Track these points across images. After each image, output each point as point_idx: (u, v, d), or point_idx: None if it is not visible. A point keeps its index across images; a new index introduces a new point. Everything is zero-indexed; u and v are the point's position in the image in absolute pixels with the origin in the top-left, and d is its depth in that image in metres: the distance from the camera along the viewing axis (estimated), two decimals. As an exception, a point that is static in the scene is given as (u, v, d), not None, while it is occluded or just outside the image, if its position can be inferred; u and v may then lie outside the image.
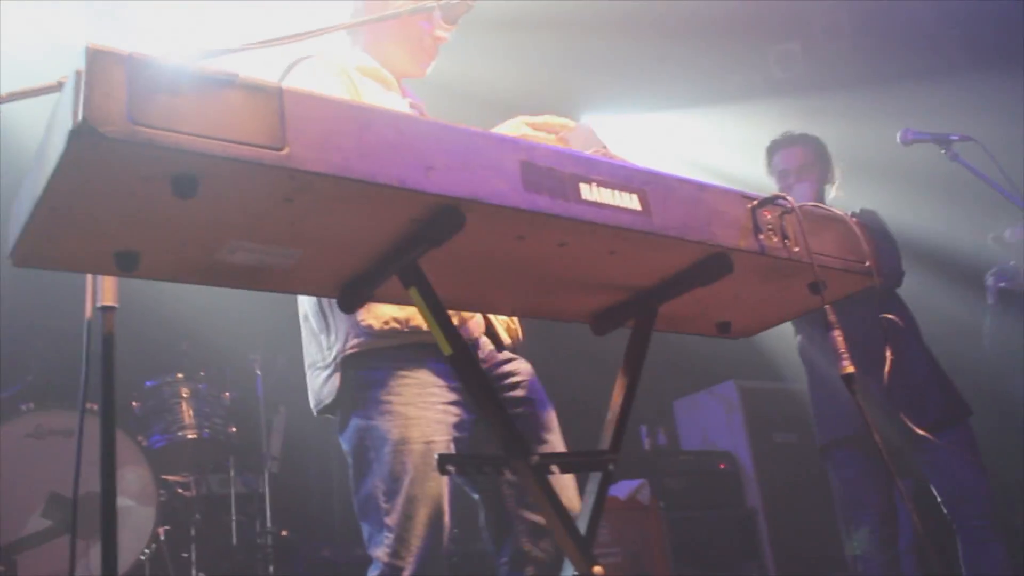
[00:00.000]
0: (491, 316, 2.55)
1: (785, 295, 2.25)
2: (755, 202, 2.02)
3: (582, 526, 1.95)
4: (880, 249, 4.03)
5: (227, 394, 5.67)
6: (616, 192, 1.78)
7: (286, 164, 1.42)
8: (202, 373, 5.58)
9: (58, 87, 1.83)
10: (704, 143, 7.33)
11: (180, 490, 5.41)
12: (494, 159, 1.64)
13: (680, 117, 7.37)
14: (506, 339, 2.58)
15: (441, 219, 1.59)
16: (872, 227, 4.19)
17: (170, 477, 5.38)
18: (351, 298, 1.88)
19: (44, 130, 1.45)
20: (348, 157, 1.47)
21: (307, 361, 2.52)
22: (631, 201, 1.80)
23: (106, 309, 1.92)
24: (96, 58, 1.32)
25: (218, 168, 1.39)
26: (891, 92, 6.09)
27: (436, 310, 1.76)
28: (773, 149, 4.46)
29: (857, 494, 4.01)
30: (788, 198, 2.05)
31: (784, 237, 2.05)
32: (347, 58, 2.62)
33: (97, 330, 1.90)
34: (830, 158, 4.41)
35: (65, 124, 1.31)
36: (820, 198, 4.28)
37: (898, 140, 3.78)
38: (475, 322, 2.49)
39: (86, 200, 1.45)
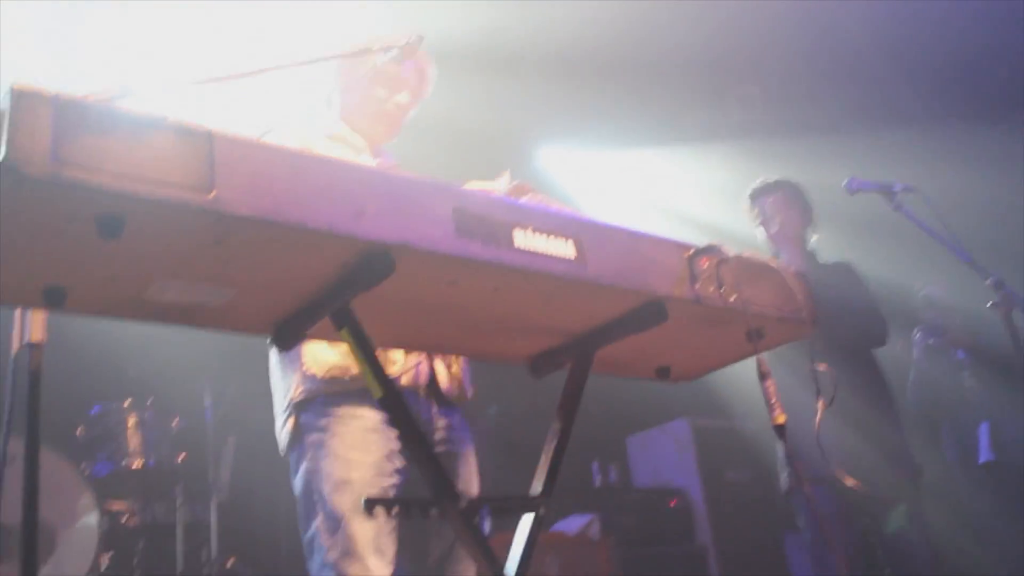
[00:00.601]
0: (436, 363, 2.58)
1: (723, 341, 2.27)
2: (691, 251, 2.04)
3: (512, 569, 1.94)
4: (852, 306, 4.13)
5: (175, 422, 5.60)
6: (550, 238, 1.79)
7: (213, 207, 1.42)
8: (150, 401, 5.51)
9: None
10: (662, 182, 7.39)
11: (124, 519, 5.33)
12: (426, 205, 1.65)
13: (639, 155, 7.42)
14: (445, 384, 2.60)
15: (372, 264, 1.60)
16: (843, 283, 4.28)
17: (114, 505, 5.30)
18: (285, 337, 1.88)
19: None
20: (278, 201, 1.48)
21: (274, 408, 2.60)
22: (566, 248, 1.81)
23: (33, 346, 1.89)
24: (21, 98, 1.32)
25: (144, 209, 1.39)
26: (843, 138, 6.18)
27: (367, 352, 1.76)
28: (754, 195, 4.51)
29: (831, 531, 4.01)
30: (723, 248, 2.07)
31: (720, 286, 2.07)
32: (317, 127, 2.73)
33: (23, 366, 1.88)
34: (809, 204, 4.48)
35: (-11, 161, 1.30)
36: (801, 244, 4.37)
37: (844, 188, 3.83)
38: (417, 371, 2.53)
39: (10, 237, 1.43)
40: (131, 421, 5.35)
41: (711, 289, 2.05)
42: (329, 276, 1.66)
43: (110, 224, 1.40)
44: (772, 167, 5.73)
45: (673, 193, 7.26)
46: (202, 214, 1.42)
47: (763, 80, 6.98)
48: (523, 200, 2.28)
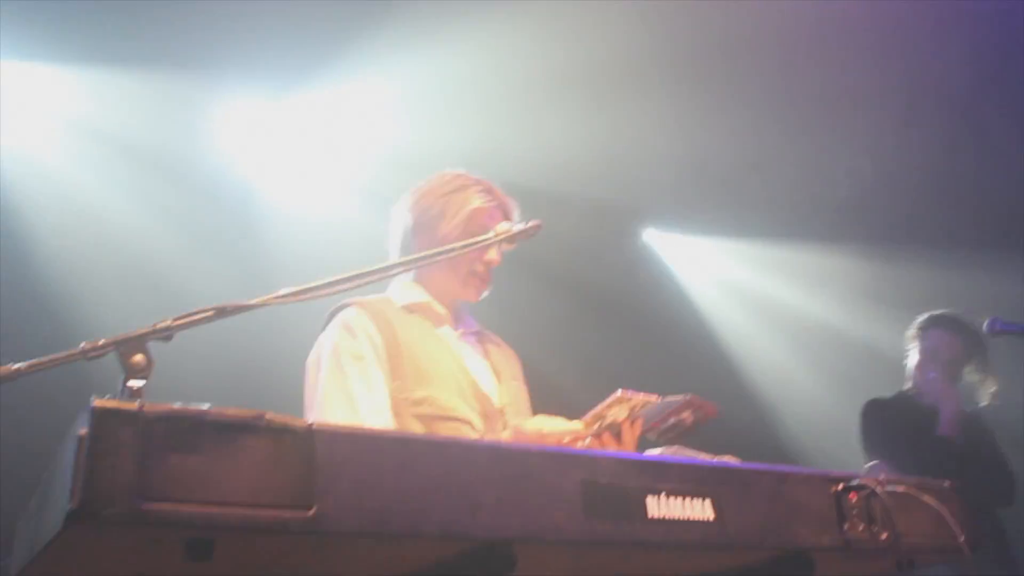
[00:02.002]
0: None
1: (866, 566, 2.05)
2: (839, 487, 1.82)
3: None
4: (982, 462, 3.86)
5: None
6: (686, 501, 1.59)
7: (313, 527, 1.25)
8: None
9: (80, 354, 1.67)
10: (766, 273, 7.12)
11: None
12: (552, 483, 1.46)
13: (742, 246, 7.16)
14: None
15: (490, 561, 1.41)
16: (975, 436, 4.00)
17: None
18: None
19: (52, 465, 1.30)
20: (385, 509, 1.30)
21: None
22: (703, 510, 1.61)
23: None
24: (102, 420, 1.17)
25: (237, 533, 1.23)
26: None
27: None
28: (930, 324, 4.23)
29: None
30: (871, 483, 1.85)
31: (871, 522, 1.84)
32: (391, 299, 2.52)
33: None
34: (985, 351, 4.15)
35: (63, 501, 1.15)
36: (958, 393, 4.08)
37: (984, 329, 3.56)
38: None
39: (91, 560, 1.29)
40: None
41: (860, 528, 1.83)
42: (444, 563, 1.48)
43: (200, 549, 1.24)
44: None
45: (781, 288, 6.98)
46: (302, 533, 1.25)
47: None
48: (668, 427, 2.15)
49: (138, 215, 5.34)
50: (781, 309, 6.95)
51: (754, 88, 5.72)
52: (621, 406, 2.26)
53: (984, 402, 4.16)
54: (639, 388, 2.32)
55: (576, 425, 2.31)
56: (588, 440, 2.34)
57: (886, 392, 4.29)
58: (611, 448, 2.30)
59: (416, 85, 5.28)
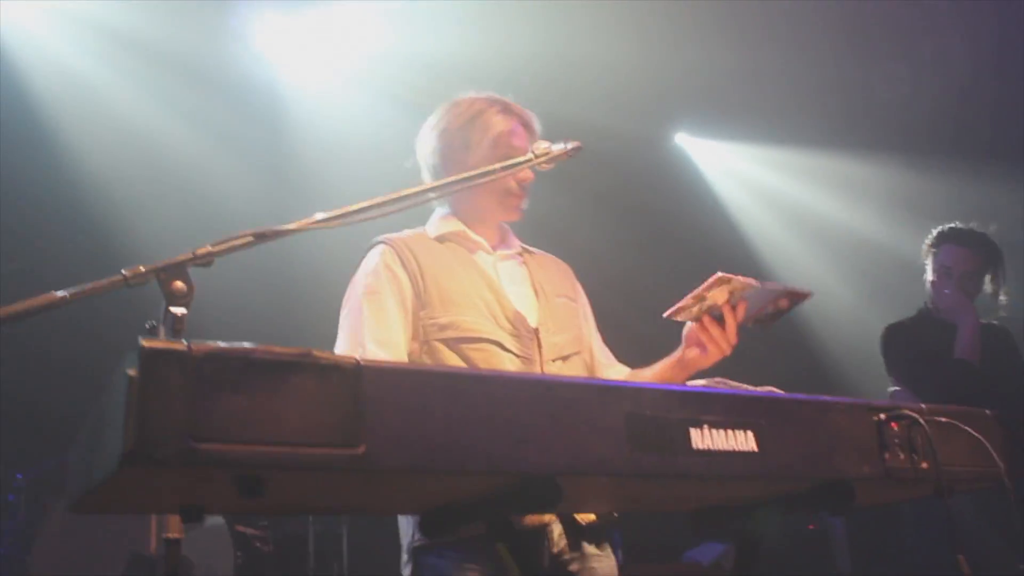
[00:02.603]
0: None
1: (905, 492, 2.06)
2: (882, 416, 1.82)
3: None
4: (1006, 380, 3.79)
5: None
6: (729, 433, 1.59)
7: (362, 465, 1.26)
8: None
9: (122, 282, 1.68)
10: (798, 181, 7.03)
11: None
12: (597, 417, 1.46)
13: (777, 152, 7.05)
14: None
15: (538, 493, 1.42)
16: (999, 352, 3.94)
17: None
18: (431, 527, 1.72)
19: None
20: (432, 445, 1.31)
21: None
22: (745, 441, 1.61)
23: (170, 542, 1.79)
24: (152, 360, 1.17)
25: (286, 470, 1.24)
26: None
27: (525, 570, 1.59)
28: (941, 239, 4.14)
29: None
30: (915, 412, 1.84)
31: (912, 451, 1.84)
32: (426, 232, 2.54)
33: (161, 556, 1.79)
34: (1000, 261, 4.07)
35: (116, 441, 1.16)
36: (973, 308, 4.00)
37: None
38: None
39: (145, 492, 1.31)
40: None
41: (902, 457, 1.83)
42: (489, 496, 1.50)
43: (251, 486, 1.26)
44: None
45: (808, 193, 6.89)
46: (351, 470, 1.26)
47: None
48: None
49: (170, 123, 5.33)
50: (815, 218, 6.88)
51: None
52: (720, 288, 2.20)
53: (1001, 313, 4.10)
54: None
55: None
56: (689, 325, 2.36)
57: (919, 304, 4.24)
58: (714, 331, 2.31)
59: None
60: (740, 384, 1.82)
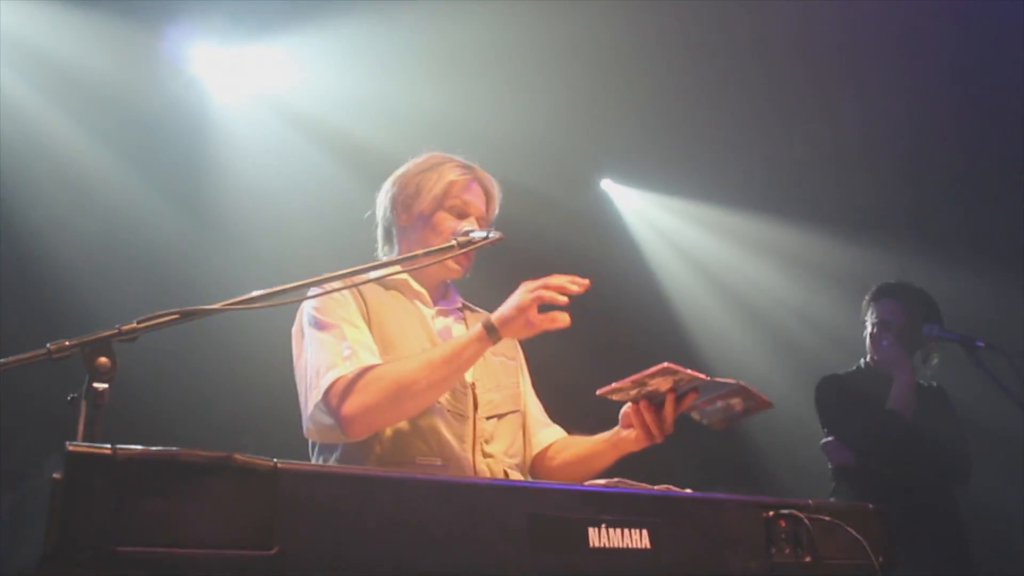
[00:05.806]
0: None
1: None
2: (770, 513, 1.94)
3: None
4: (939, 441, 3.89)
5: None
6: (625, 532, 1.69)
7: (275, 568, 1.32)
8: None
9: (46, 355, 1.71)
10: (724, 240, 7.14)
11: None
12: (500, 518, 1.55)
13: (699, 207, 7.16)
14: None
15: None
16: (935, 414, 3.97)
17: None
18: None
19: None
20: (343, 548, 1.38)
21: None
22: (640, 539, 1.71)
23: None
24: (76, 464, 1.23)
25: (203, 572, 1.30)
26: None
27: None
28: (880, 294, 4.22)
29: None
30: (800, 512, 1.96)
31: (797, 546, 1.96)
32: (374, 275, 2.59)
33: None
34: (937, 314, 4.13)
35: (37, 542, 1.21)
36: (910, 364, 4.06)
37: (923, 333, 3.64)
38: None
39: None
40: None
41: (787, 551, 1.95)
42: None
43: (167, 584, 1.31)
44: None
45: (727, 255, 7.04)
46: (263, 572, 1.33)
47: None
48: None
49: (98, 155, 5.25)
50: (733, 276, 7.00)
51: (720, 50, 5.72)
52: (665, 377, 2.21)
53: (929, 372, 4.20)
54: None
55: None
56: (627, 406, 2.36)
57: (836, 367, 4.33)
58: (648, 417, 2.31)
59: (375, 44, 5.26)
60: (639, 483, 1.92)
